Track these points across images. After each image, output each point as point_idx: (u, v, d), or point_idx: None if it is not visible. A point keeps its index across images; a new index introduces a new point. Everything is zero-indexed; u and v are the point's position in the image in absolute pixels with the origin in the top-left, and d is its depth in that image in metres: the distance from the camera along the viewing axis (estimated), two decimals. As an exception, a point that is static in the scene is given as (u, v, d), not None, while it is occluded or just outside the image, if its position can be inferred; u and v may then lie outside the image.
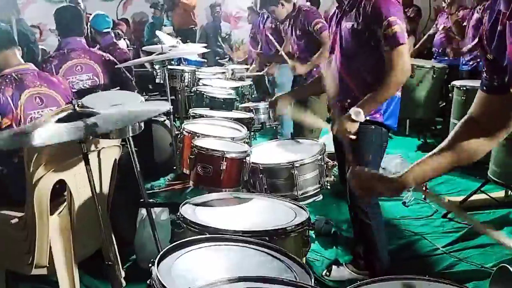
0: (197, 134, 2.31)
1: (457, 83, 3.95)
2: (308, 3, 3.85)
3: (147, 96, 5.14)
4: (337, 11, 2.34)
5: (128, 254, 2.92)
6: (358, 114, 2.11)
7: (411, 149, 4.98)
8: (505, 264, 1.63)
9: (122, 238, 2.74)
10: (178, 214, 1.52)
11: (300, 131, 3.79)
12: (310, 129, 3.72)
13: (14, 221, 2.25)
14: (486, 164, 3.43)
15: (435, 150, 1.34)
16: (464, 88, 3.77)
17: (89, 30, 3.77)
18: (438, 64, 4.96)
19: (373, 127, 2.28)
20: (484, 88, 1.21)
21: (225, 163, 2.01)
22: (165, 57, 3.21)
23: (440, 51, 5.29)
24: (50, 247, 2.14)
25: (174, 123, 4.36)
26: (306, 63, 3.60)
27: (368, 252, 2.43)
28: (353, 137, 2.13)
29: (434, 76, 4.72)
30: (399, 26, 2.03)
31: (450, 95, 4.03)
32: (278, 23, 4.54)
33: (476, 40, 4.30)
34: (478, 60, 4.62)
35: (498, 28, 1.06)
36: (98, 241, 2.40)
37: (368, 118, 2.21)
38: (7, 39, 2.40)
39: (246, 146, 2.23)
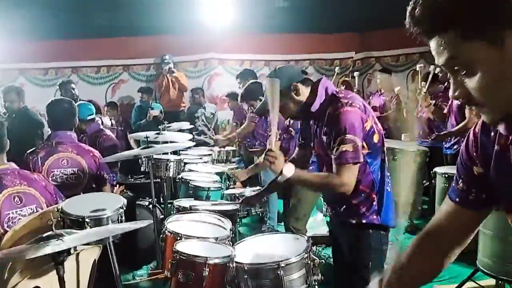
0: (179, 235, 2.26)
1: (439, 170, 4.01)
2: None
3: (132, 180, 5.13)
4: (311, 122, 2.38)
5: None
6: (289, 171, 2.13)
7: (400, 231, 4.92)
8: None
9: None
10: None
11: (287, 216, 3.78)
12: (296, 217, 3.71)
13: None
14: (475, 252, 3.39)
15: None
16: (446, 175, 3.83)
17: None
18: (420, 148, 5.07)
19: (370, 231, 2.23)
20: (457, 199, 1.15)
21: (208, 269, 1.94)
22: (150, 152, 3.23)
23: (421, 133, 5.44)
24: None
25: (160, 208, 4.32)
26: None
27: None
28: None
29: (417, 160, 4.80)
30: (352, 145, 2.05)
31: (433, 181, 4.08)
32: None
33: (460, 125, 4.48)
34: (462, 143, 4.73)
35: (495, 148, 1.03)
36: None
37: (364, 221, 2.21)
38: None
39: (230, 249, 2.17)
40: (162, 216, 4.11)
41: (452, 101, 4.85)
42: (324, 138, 2.20)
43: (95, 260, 2.34)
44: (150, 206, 4.18)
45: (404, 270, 1.23)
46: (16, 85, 5.75)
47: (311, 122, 2.37)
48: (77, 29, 7.35)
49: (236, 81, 5.39)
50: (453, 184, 1.18)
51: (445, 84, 5.18)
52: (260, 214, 4.30)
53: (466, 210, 1.15)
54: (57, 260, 1.49)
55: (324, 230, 4.67)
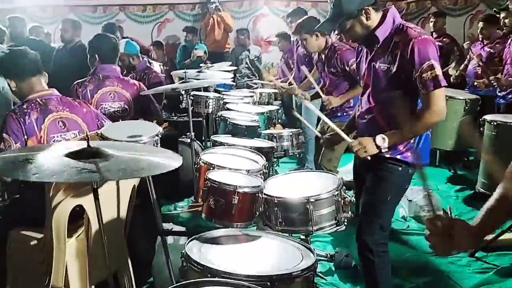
0: (212, 166, 2.32)
1: (488, 117, 3.82)
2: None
3: (176, 117, 5.24)
4: (365, 50, 2.32)
5: (146, 276, 2.94)
6: (382, 141, 2.14)
7: (441, 181, 4.83)
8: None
9: (141, 259, 2.77)
10: (183, 251, 1.52)
11: (318, 158, 3.77)
12: (329, 158, 3.69)
13: (33, 242, 2.31)
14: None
15: (493, 199, 1.28)
16: (495, 123, 3.65)
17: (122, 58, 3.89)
18: (471, 96, 4.81)
19: (400, 168, 2.23)
20: None
21: (237, 197, 2.00)
22: (189, 86, 3.26)
23: (473, 81, 5.14)
24: (66, 270, 2.19)
25: (201, 145, 4.42)
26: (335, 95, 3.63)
27: None
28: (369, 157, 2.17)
29: (466, 107, 4.58)
30: (438, 69, 2.04)
31: (481, 129, 3.91)
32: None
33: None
34: None
35: None
36: (114, 264, 2.44)
37: (398, 157, 2.21)
38: (35, 67, 2.52)
39: (260, 180, 2.21)
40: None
41: (509, 49, 4.52)
42: (383, 66, 2.16)
43: (134, 185, 2.47)
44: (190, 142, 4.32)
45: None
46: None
47: (363, 51, 2.33)
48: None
49: (287, 21, 5.18)
50: None
51: (504, 31, 4.80)
52: (298, 155, 4.36)
53: None
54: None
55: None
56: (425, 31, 2.15)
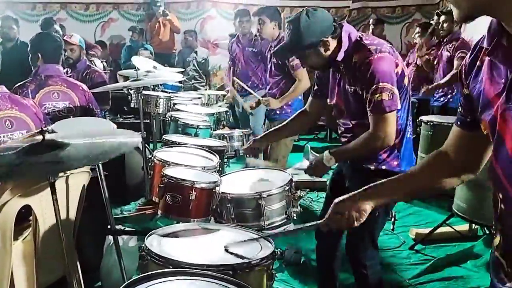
0: (168, 163, 2.32)
1: (424, 118, 4.09)
2: None
3: (121, 119, 5.14)
4: (333, 70, 2.25)
5: (94, 280, 2.86)
6: (328, 161, 2.15)
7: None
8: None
9: (88, 264, 2.69)
10: (143, 245, 1.52)
11: (266, 158, 3.86)
12: (274, 158, 3.79)
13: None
14: (452, 197, 3.53)
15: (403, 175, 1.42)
16: (431, 123, 3.91)
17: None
18: (408, 99, 5.11)
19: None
20: (458, 123, 1.26)
21: (195, 193, 2.01)
22: (141, 83, 3.23)
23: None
24: (12, 274, 2.09)
25: (148, 146, 4.36)
26: (276, 97, 3.74)
27: None
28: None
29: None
30: (387, 93, 1.95)
31: (418, 129, 4.16)
32: (263, 51, 4.64)
33: (448, 76, 4.55)
34: (449, 96, 4.81)
35: (477, 64, 1.11)
36: (62, 268, 2.36)
37: (383, 167, 2.15)
38: None
39: (216, 176, 2.24)
40: (150, 156, 4.16)
41: (441, 53, 4.86)
42: (349, 88, 2.11)
43: (84, 185, 2.40)
44: (140, 145, 4.25)
45: (413, 177, 1.41)
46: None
47: (330, 72, 2.27)
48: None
49: (235, 21, 5.21)
50: (458, 111, 1.28)
51: (440, 39, 5.16)
52: (248, 156, 4.42)
53: (465, 132, 1.25)
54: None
55: (307, 177, 4.78)
56: (382, 45, 2.05)
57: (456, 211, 3.32)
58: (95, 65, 5.39)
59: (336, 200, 1.50)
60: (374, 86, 1.96)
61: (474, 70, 1.12)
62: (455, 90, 4.74)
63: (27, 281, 2.15)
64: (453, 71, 4.53)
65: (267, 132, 2.86)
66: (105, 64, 6.06)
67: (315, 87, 2.44)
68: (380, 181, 1.46)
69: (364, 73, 1.99)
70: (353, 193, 1.48)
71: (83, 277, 2.43)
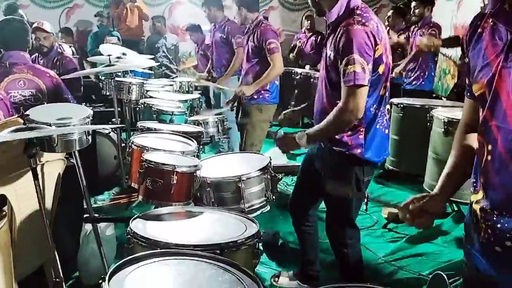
0: (146, 148, 2.30)
1: (395, 100, 4.18)
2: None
3: (91, 108, 5.02)
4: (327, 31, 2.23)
5: (71, 271, 2.83)
6: (301, 138, 2.12)
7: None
8: (440, 272, 1.75)
9: (64, 254, 2.65)
10: (128, 229, 1.51)
11: (243, 142, 3.88)
12: (251, 142, 3.81)
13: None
14: (422, 177, 3.65)
15: (450, 166, 1.37)
16: (402, 106, 4.01)
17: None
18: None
19: (353, 164, 2.17)
20: (468, 94, 1.31)
21: (176, 177, 2.01)
22: (114, 69, 3.16)
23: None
24: (-12, 265, 2.04)
25: (121, 135, 4.29)
26: (252, 82, 3.73)
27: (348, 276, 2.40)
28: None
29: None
30: (360, 65, 1.93)
31: (388, 112, 4.26)
32: (229, 35, 4.64)
33: (413, 52, 4.71)
34: (421, 80, 4.92)
35: (478, 32, 1.20)
36: (40, 258, 2.32)
37: (347, 152, 2.14)
38: None
39: (196, 160, 2.24)
40: (124, 144, 4.10)
41: (414, 38, 4.96)
42: (329, 52, 2.08)
43: (59, 173, 2.35)
44: (110, 133, 4.18)
45: (458, 168, 1.37)
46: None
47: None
48: None
49: (203, 9, 5.17)
50: (466, 84, 1.32)
51: (409, 24, 5.27)
52: (223, 141, 4.44)
53: (474, 102, 1.30)
54: (29, 152, 1.50)
55: (284, 161, 4.85)
56: (370, 20, 2.01)
57: (427, 189, 3.44)
58: (64, 51, 5.25)
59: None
60: (348, 56, 1.94)
61: (474, 38, 1.21)
62: (427, 73, 4.86)
63: (4, 272, 2.10)
64: (415, 50, 4.69)
65: (302, 106, 2.70)
66: (73, 49, 5.89)
67: None
68: (437, 187, 1.39)
69: (341, 41, 1.97)
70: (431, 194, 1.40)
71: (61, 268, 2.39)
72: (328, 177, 2.25)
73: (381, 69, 2.04)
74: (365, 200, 3.74)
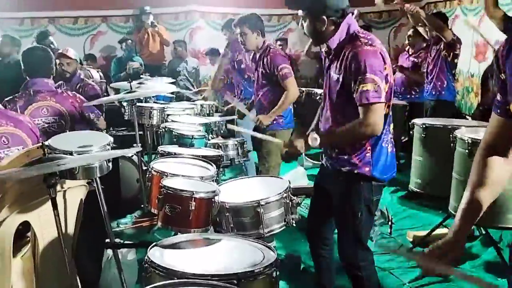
0: (166, 174, 2.32)
1: (417, 121, 4.11)
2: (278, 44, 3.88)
3: (114, 132, 5.12)
4: (325, 56, 2.32)
5: (93, 296, 2.84)
6: (314, 140, 2.15)
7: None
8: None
9: (87, 279, 2.67)
10: (145, 257, 1.51)
11: (259, 167, 3.81)
12: (267, 168, 3.69)
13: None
14: (447, 198, 3.56)
15: (466, 201, 1.33)
16: (424, 126, 3.94)
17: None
18: (399, 102, 5.18)
19: (362, 182, 2.21)
20: (498, 111, 1.26)
21: (194, 203, 2.01)
22: (135, 95, 3.23)
23: (401, 89, 5.53)
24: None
25: (142, 159, 4.35)
26: (266, 108, 3.66)
27: None
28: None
29: (396, 113, 4.90)
30: (372, 84, 2.01)
31: (411, 132, 4.20)
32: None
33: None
34: (440, 89, 4.84)
35: None
36: (62, 284, 2.34)
37: (356, 171, 2.19)
38: None
39: (214, 186, 2.24)
40: (146, 167, 4.15)
41: (429, 54, 4.91)
42: (335, 75, 2.16)
43: (81, 199, 2.39)
44: (133, 156, 4.24)
45: (480, 190, 1.33)
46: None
47: (323, 59, 2.34)
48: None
49: (222, 33, 5.24)
50: (496, 99, 1.27)
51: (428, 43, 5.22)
52: (244, 164, 4.43)
53: (506, 120, 1.25)
54: (49, 182, 1.53)
55: (304, 183, 4.80)
56: (376, 42, 2.12)
57: (452, 211, 3.34)
58: (92, 76, 5.42)
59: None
60: (361, 76, 2.02)
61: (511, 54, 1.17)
62: (445, 82, 4.77)
63: (26, 298, 2.13)
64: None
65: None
66: (101, 74, 6.06)
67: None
68: (453, 230, 1.36)
69: (352, 63, 2.05)
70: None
71: (82, 293, 2.41)
72: (338, 198, 2.29)
73: (386, 88, 2.11)
74: (389, 223, 3.68)
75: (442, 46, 4.63)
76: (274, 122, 3.72)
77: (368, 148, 2.18)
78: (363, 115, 2.05)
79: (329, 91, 2.24)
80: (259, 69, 3.69)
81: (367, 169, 2.18)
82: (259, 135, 2.64)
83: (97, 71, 5.90)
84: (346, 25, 2.15)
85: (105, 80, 6.01)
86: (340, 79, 2.13)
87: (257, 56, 3.71)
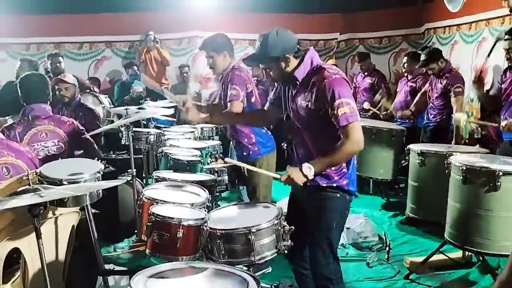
0: (156, 201, 2.34)
1: (412, 146, 4.13)
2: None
3: (114, 155, 5.16)
4: (284, 87, 2.49)
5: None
6: (309, 170, 2.24)
7: (376, 208, 5.09)
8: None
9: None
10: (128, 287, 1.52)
11: (250, 200, 3.73)
12: (258, 197, 3.53)
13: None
14: (442, 225, 3.54)
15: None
16: (419, 152, 3.95)
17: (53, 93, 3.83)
18: (396, 127, 5.21)
19: (338, 195, 2.39)
20: None
21: (182, 230, 2.02)
22: (129, 121, 3.27)
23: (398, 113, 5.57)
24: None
25: (142, 183, 4.36)
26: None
27: None
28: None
29: (393, 138, 4.92)
30: (348, 107, 2.22)
31: (407, 157, 4.21)
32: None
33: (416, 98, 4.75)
34: (444, 116, 4.88)
35: None
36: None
37: (334, 185, 2.36)
38: None
39: (203, 213, 2.25)
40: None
41: (436, 85, 4.96)
42: (303, 103, 2.33)
43: (73, 225, 2.41)
44: (132, 180, 4.26)
45: None
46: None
47: (286, 87, 2.48)
48: (59, 4, 7.30)
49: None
50: None
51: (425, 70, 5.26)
52: (240, 188, 4.45)
53: None
54: (33, 212, 1.56)
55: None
56: (339, 71, 2.35)
57: (448, 238, 3.32)
58: (102, 102, 5.52)
59: None
60: (336, 102, 2.21)
61: None
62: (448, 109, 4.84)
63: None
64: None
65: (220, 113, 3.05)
66: (109, 99, 6.15)
67: (273, 96, 2.65)
68: None
69: (324, 91, 2.24)
70: None
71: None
72: (313, 211, 2.43)
73: None
74: (387, 249, 3.66)
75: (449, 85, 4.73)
76: (250, 152, 3.48)
77: (343, 164, 2.37)
78: (348, 134, 2.22)
79: (300, 116, 2.38)
80: (223, 91, 3.48)
81: (344, 182, 2.38)
82: (254, 169, 2.67)
83: (106, 97, 5.99)
84: (309, 59, 2.35)
85: (113, 106, 6.09)
86: (311, 106, 2.31)
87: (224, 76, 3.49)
